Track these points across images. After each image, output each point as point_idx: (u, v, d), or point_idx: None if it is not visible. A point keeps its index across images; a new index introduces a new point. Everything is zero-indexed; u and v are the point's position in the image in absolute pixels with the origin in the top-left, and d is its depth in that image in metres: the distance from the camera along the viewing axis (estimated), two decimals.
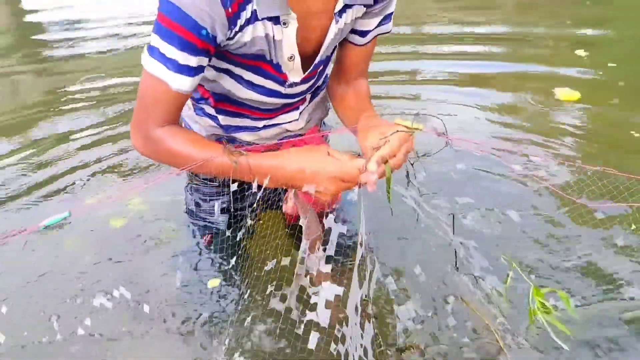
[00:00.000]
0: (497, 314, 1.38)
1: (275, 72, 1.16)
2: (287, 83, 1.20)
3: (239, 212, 1.53)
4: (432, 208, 1.28)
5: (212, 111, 1.32)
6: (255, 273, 1.43)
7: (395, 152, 0.99)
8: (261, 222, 1.64)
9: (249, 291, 1.42)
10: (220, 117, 1.31)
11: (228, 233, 1.51)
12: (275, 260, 1.21)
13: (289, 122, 1.38)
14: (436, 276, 1.50)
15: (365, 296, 1.16)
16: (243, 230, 1.32)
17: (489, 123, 2.45)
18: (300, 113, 1.39)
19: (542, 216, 1.75)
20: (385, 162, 1.00)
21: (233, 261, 1.39)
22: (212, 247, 1.62)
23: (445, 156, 1.26)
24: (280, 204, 1.63)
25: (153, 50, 0.99)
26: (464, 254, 1.30)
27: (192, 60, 1.00)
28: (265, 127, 1.36)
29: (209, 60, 1.07)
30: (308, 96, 1.38)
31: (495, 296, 1.41)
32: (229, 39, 1.03)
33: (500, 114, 2.54)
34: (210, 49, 1.02)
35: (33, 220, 1.02)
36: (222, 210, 1.56)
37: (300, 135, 1.45)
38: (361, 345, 1.06)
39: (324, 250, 1.13)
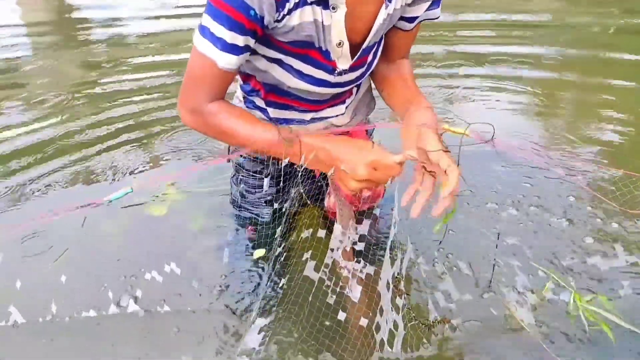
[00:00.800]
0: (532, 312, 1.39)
1: (324, 59, 1.18)
2: (336, 71, 1.21)
3: (283, 205, 1.55)
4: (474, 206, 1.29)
5: (262, 103, 1.35)
6: (295, 260, 1.45)
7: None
8: (302, 216, 1.65)
9: (285, 278, 1.45)
10: (269, 109, 1.34)
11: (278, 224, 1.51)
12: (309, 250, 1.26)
13: (335, 115, 1.40)
14: (472, 264, 1.53)
15: (398, 273, 1.21)
16: (284, 223, 1.37)
17: (534, 126, 2.45)
18: (347, 107, 1.40)
19: (583, 222, 1.74)
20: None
21: (274, 252, 1.43)
22: (254, 237, 1.65)
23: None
24: (323, 197, 1.65)
25: (204, 30, 1.05)
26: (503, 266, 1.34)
27: (240, 40, 1.04)
28: (312, 119, 1.38)
29: (255, 42, 1.10)
30: (355, 89, 1.39)
31: (531, 298, 1.42)
32: (277, 21, 1.06)
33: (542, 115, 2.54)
34: (258, 30, 1.05)
35: (94, 195, 1.09)
36: (266, 203, 1.60)
37: (347, 133, 1.45)
38: (393, 319, 1.11)
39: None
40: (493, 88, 2.94)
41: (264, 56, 1.20)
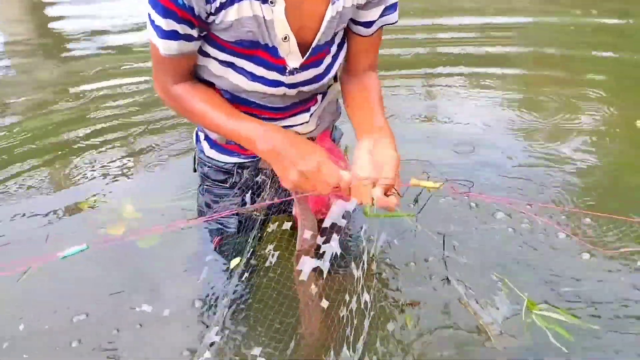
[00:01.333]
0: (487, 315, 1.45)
1: (273, 58, 1.18)
2: (287, 70, 1.20)
3: (248, 214, 1.55)
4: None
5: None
6: (262, 273, 1.47)
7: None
8: (270, 225, 1.64)
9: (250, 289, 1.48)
10: None
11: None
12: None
13: (300, 124, 1.39)
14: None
15: (372, 255, 1.25)
16: (252, 233, 1.37)
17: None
18: (311, 115, 1.40)
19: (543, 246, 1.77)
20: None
21: (241, 262, 1.44)
22: (221, 249, 1.64)
23: None
24: (291, 208, 1.64)
25: (149, 18, 1.10)
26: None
27: (177, 27, 1.08)
28: None
29: (199, 35, 1.13)
30: (319, 97, 1.39)
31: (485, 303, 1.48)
32: (212, 14, 1.08)
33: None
34: (193, 21, 1.08)
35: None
36: (233, 214, 1.58)
37: (312, 139, 1.46)
38: (364, 300, 1.17)
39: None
40: (474, 87, 3.01)
41: (216, 59, 1.20)
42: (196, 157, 1.55)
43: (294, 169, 1.10)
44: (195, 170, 1.60)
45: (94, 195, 2.08)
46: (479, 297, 1.48)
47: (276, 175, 1.18)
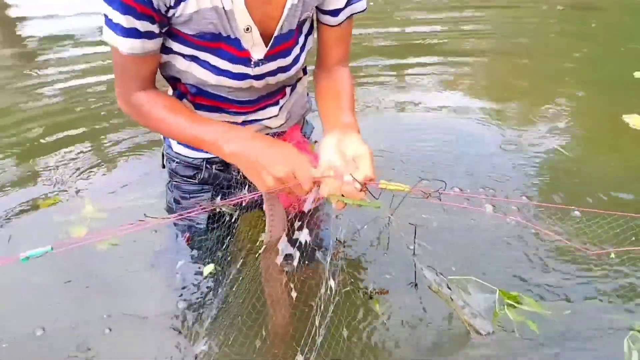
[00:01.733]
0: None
1: (236, 50, 1.16)
2: (252, 62, 1.19)
3: (218, 211, 1.52)
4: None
5: (192, 107, 1.32)
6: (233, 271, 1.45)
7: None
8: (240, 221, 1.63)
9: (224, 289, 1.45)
10: (199, 113, 1.31)
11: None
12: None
13: (269, 117, 1.38)
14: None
15: (338, 239, 1.27)
16: (222, 229, 1.35)
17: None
18: (280, 108, 1.38)
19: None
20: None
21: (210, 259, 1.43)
22: (191, 246, 1.62)
23: None
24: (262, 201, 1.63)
25: (105, 18, 1.06)
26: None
27: (137, 24, 1.05)
28: (244, 122, 1.36)
29: (160, 31, 1.10)
30: (288, 90, 1.38)
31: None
32: (171, 7, 1.06)
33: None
34: (153, 15, 1.05)
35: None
36: (203, 208, 1.54)
37: (282, 132, 1.45)
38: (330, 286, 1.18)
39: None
40: (446, 77, 3.09)
41: (179, 54, 1.18)
42: (164, 152, 1.53)
43: (268, 176, 1.06)
44: (163, 167, 1.58)
45: (55, 194, 2.02)
46: (451, 286, 1.45)
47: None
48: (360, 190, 1.04)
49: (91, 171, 2.19)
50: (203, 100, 1.29)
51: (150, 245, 1.69)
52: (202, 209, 1.38)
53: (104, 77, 3.19)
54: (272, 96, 1.34)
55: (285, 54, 1.22)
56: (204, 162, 1.44)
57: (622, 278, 1.56)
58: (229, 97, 1.27)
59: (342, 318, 1.30)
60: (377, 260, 1.59)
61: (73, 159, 2.28)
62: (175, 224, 1.66)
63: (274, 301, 1.39)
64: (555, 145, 2.33)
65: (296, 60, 1.27)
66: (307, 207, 1.15)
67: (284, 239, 1.28)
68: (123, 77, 1.16)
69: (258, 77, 1.23)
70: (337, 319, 1.29)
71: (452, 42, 3.71)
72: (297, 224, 1.26)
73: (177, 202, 1.56)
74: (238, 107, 1.30)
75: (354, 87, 1.31)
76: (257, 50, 1.17)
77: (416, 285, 1.47)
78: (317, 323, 1.23)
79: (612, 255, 1.62)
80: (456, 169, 2.13)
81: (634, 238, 1.60)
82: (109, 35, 1.08)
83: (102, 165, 2.23)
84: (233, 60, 1.17)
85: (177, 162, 1.47)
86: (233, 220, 1.47)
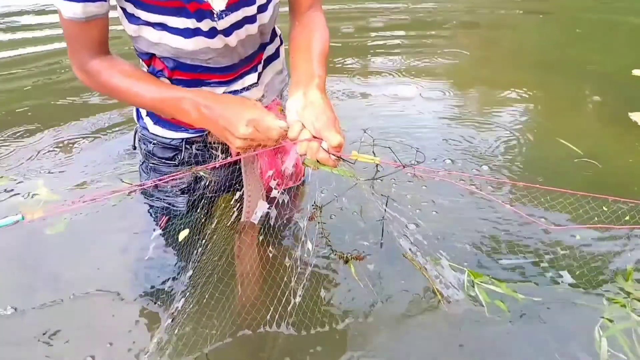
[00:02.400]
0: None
1: (197, 4, 1.13)
2: (215, 14, 1.16)
3: (198, 193, 1.49)
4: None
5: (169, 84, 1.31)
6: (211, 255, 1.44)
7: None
8: (220, 204, 1.62)
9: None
10: None
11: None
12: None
13: (249, 87, 1.36)
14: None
15: (315, 203, 1.28)
16: (201, 213, 1.35)
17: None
18: (259, 76, 1.37)
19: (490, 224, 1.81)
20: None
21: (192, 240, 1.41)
22: (168, 230, 1.56)
23: None
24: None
25: None
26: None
27: None
28: (225, 94, 1.32)
29: None
30: (263, 55, 1.37)
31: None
32: None
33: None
34: None
35: None
36: (182, 191, 1.49)
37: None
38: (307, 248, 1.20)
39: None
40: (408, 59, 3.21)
41: (148, 23, 1.18)
42: (137, 134, 1.49)
43: (234, 137, 1.09)
44: (134, 148, 1.54)
45: (7, 176, 1.98)
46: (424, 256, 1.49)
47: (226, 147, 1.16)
48: (336, 160, 1.06)
49: (46, 152, 2.13)
50: (182, 74, 1.27)
51: (122, 223, 1.68)
52: (179, 174, 1.33)
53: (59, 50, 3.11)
54: (249, 60, 1.31)
55: (249, 1, 1.20)
56: (183, 143, 1.40)
57: (591, 262, 1.60)
58: (207, 65, 1.25)
59: (320, 280, 1.33)
60: (355, 228, 1.63)
61: (27, 137, 2.22)
62: (150, 208, 1.59)
63: (245, 278, 1.38)
64: (523, 127, 2.45)
65: (263, 8, 1.24)
66: (288, 165, 1.18)
67: (261, 205, 1.30)
68: (74, 45, 1.14)
69: (226, 32, 1.19)
70: (315, 280, 1.32)
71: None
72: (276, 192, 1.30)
73: (155, 185, 1.47)
74: (218, 75, 1.28)
75: (327, 34, 1.27)
76: (218, 1, 1.14)
77: (381, 244, 1.51)
78: (292, 282, 1.26)
79: (578, 237, 1.67)
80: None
81: (596, 218, 1.63)
82: None
83: (59, 146, 2.18)
84: (199, 17, 1.15)
85: (154, 144, 1.43)
86: (212, 202, 1.45)
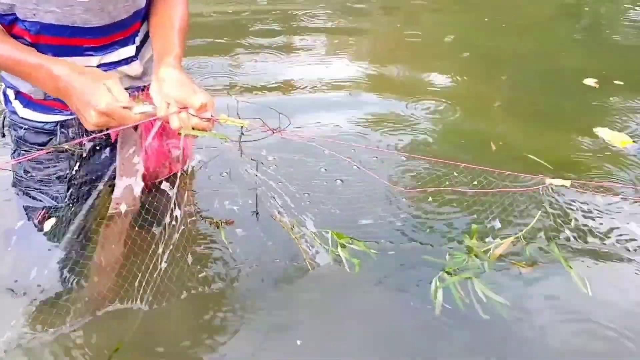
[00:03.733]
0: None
1: None
2: None
3: (78, 182, 1.38)
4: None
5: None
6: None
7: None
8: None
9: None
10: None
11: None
12: None
13: (126, 60, 1.30)
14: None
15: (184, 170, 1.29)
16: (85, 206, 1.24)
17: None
18: (137, 49, 1.31)
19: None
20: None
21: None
22: (45, 226, 1.41)
23: None
24: None
25: None
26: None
27: None
28: (101, 66, 1.25)
29: None
30: (141, 26, 1.31)
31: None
32: None
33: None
34: None
35: None
36: (59, 179, 1.37)
37: (142, 88, 1.36)
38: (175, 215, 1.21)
39: None
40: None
41: None
42: (5, 119, 1.37)
43: (89, 109, 1.04)
44: (3, 135, 1.41)
45: None
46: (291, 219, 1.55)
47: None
48: (207, 121, 1.09)
49: None
50: (48, 39, 1.16)
51: None
52: (46, 151, 1.29)
53: None
54: (123, 26, 1.25)
55: None
56: (58, 126, 1.30)
57: (440, 221, 1.74)
58: (76, 25, 1.15)
59: (187, 246, 1.32)
60: (224, 192, 1.64)
61: None
62: (25, 209, 1.42)
63: (103, 268, 1.35)
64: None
65: None
66: (147, 141, 1.21)
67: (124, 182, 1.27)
68: None
69: None
70: (182, 247, 1.30)
71: None
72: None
73: (27, 172, 1.38)
74: (89, 40, 1.20)
75: (187, 10, 1.30)
76: None
77: (257, 213, 1.54)
78: (160, 250, 1.23)
79: (430, 199, 1.81)
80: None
81: (447, 182, 1.83)
82: None
83: None
84: None
85: (25, 129, 1.31)
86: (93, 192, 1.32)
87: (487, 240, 1.57)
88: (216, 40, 3.24)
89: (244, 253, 1.47)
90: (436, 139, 2.27)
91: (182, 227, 1.26)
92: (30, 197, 1.40)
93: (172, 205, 1.25)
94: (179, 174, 1.27)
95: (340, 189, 1.83)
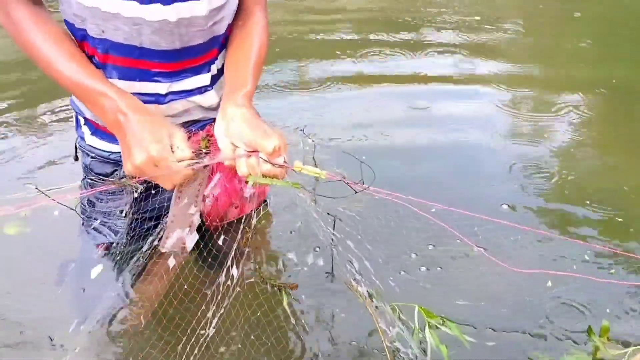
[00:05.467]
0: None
1: None
2: None
3: (141, 217, 1.32)
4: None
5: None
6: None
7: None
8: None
9: None
10: (112, 81, 1.12)
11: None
12: None
13: (200, 90, 1.21)
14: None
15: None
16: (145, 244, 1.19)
17: None
18: (213, 78, 1.22)
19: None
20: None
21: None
22: (92, 273, 1.34)
23: None
24: None
25: None
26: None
27: None
28: (170, 94, 1.18)
29: None
30: (219, 54, 1.23)
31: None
32: None
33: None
34: None
35: None
36: (122, 213, 1.33)
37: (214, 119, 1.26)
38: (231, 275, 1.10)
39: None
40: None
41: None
42: (76, 144, 1.32)
43: (139, 149, 0.96)
44: (76, 159, 1.36)
45: None
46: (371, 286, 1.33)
47: None
48: (281, 169, 0.96)
49: None
50: (116, 59, 1.11)
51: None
52: (106, 185, 1.20)
53: None
54: (197, 52, 1.16)
55: None
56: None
57: (559, 309, 1.46)
58: (144, 46, 1.09)
59: (241, 311, 1.17)
60: (290, 250, 1.48)
61: None
62: (85, 241, 1.39)
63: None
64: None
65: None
66: (247, 193, 1.14)
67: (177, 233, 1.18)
68: None
69: (165, 1, 1.06)
70: (235, 312, 1.15)
71: None
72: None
73: (91, 204, 1.33)
74: (159, 64, 1.13)
75: (267, 38, 1.21)
76: None
77: (333, 275, 1.34)
78: (210, 314, 1.11)
79: (549, 284, 1.53)
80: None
81: (575, 266, 1.54)
82: None
83: None
84: None
85: (91, 157, 1.27)
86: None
87: (621, 340, 1.28)
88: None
89: (309, 326, 1.29)
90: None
91: (238, 289, 1.11)
92: (92, 228, 1.36)
93: (228, 261, 1.11)
94: (253, 214, 1.15)
95: (433, 259, 1.58)
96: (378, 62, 2.95)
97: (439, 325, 1.22)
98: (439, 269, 1.55)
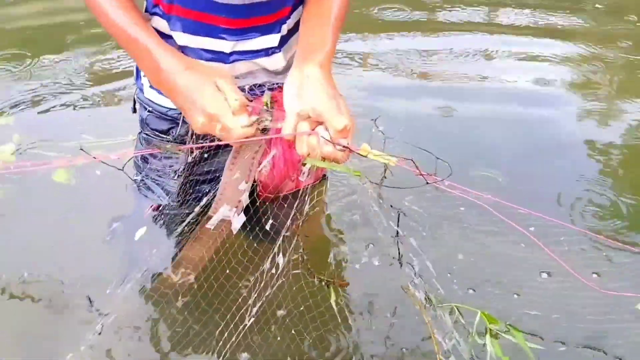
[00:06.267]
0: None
1: None
2: None
3: (195, 179, 1.29)
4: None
5: (165, 26, 1.11)
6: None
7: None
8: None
9: None
10: (175, 34, 1.11)
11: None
12: None
13: (266, 51, 1.14)
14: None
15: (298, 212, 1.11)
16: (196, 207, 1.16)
17: None
18: (282, 39, 1.15)
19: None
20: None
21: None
22: (155, 219, 1.35)
23: None
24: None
25: None
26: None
27: None
28: (234, 54, 1.12)
29: None
30: (291, 12, 1.15)
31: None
32: None
33: None
34: None
35: None
36: (175, 173, 1.30)
37: (279, 85, 1.20)
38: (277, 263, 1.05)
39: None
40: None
41: None
42: (135, 96, 1.30)
43: (195, 111, 0.92)
44: (134, 111, 1.34)
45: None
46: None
47: None
48: (345, 152, 0.88)
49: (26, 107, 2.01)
50: (181, 11, 1.07)
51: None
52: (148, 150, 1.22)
53: None
54: (267, 10, 1.10)
55: None
56: (182, 115, 1.18)
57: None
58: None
59: (283, 302, 1.11)
60: (343, 243, 1.39)
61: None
62: (139, 189, 1.37)
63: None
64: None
65: None
66: (304, 177, 1.04)
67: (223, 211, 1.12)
68: None
69: None
70: (277, 303, 1.10)
71: None
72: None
73: (145, 160, 1.31)
74: (225, 19, 1.07)
75: (348, 5, 1.11)
76: None
77: (401, 264, 1.23)
78: (250, 301, 1.06)
79: (638, 307, 1.37)
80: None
81: None
82: None
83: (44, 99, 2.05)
84: None
85: (149, 112, 1.24)
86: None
87: None
88: None
89: (356, 327, 1.20)
90: None
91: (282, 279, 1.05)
92: (145, 186, 1.33)
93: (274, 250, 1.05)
94: (308, 190, 1.08)
95: (503, 264, 1.45)
96: None
97: (501, 333, 1.09)
98: (508, 275, 1.41)
